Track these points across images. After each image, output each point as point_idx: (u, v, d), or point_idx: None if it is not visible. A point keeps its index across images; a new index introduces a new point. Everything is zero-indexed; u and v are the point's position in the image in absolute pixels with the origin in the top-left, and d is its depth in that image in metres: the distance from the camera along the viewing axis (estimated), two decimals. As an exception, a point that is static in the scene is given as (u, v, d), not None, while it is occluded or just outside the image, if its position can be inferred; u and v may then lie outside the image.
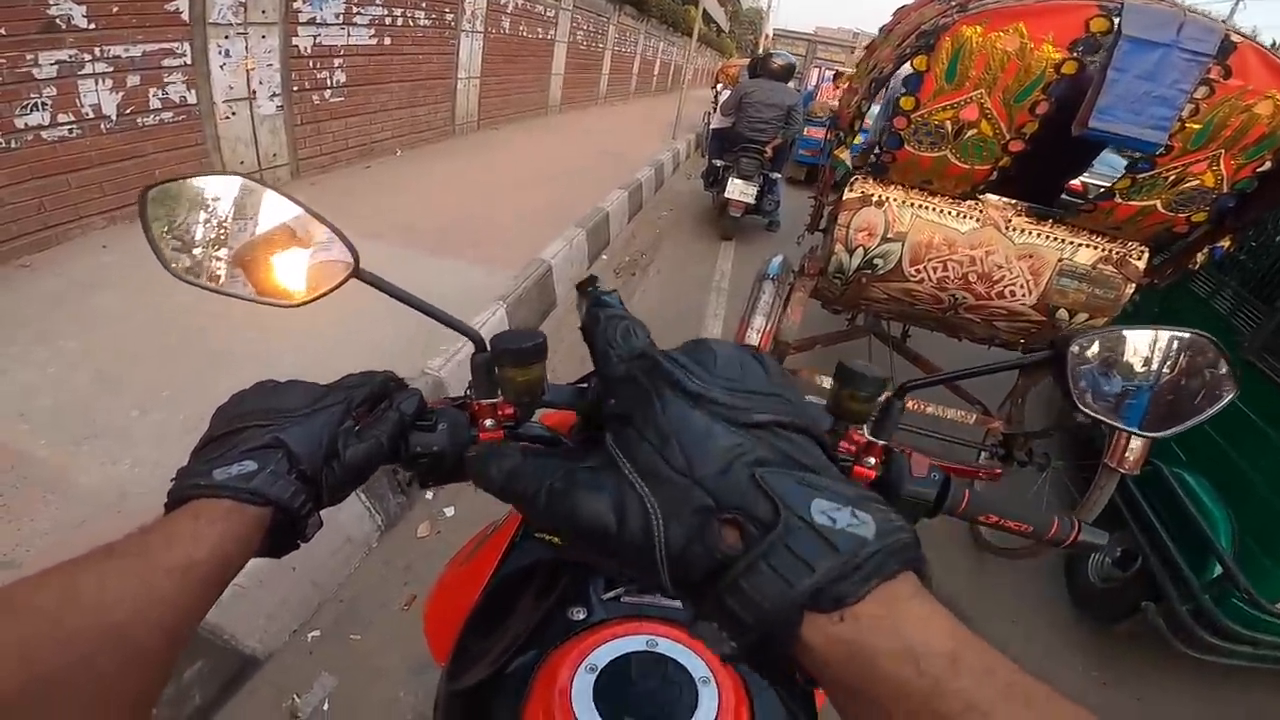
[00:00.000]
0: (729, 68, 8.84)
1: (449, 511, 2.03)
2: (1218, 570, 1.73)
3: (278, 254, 0.49)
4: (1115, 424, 0.55)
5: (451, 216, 3.97)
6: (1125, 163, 1.54)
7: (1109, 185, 1.63)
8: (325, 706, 1.46)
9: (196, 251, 0.48)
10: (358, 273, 0.49)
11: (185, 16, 3.03)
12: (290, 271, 0.49)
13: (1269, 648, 1.74)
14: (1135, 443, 1.82)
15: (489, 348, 0.53)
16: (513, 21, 7.06)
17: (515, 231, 3.86)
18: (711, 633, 0.24)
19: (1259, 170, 1.47)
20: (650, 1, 12.26)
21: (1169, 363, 0.55)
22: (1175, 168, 1.50)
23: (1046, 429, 2.24)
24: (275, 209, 0.49)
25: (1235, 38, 1.33)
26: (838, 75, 7.47)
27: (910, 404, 2.12)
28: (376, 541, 1.89)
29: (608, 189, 5.20)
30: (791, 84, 5.28)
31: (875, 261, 1.86)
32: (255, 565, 1.50)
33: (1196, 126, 1.41)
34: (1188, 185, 1.51)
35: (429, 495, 2.09)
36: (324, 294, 0.50)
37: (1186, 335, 0.55)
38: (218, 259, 0.49)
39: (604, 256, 4.53)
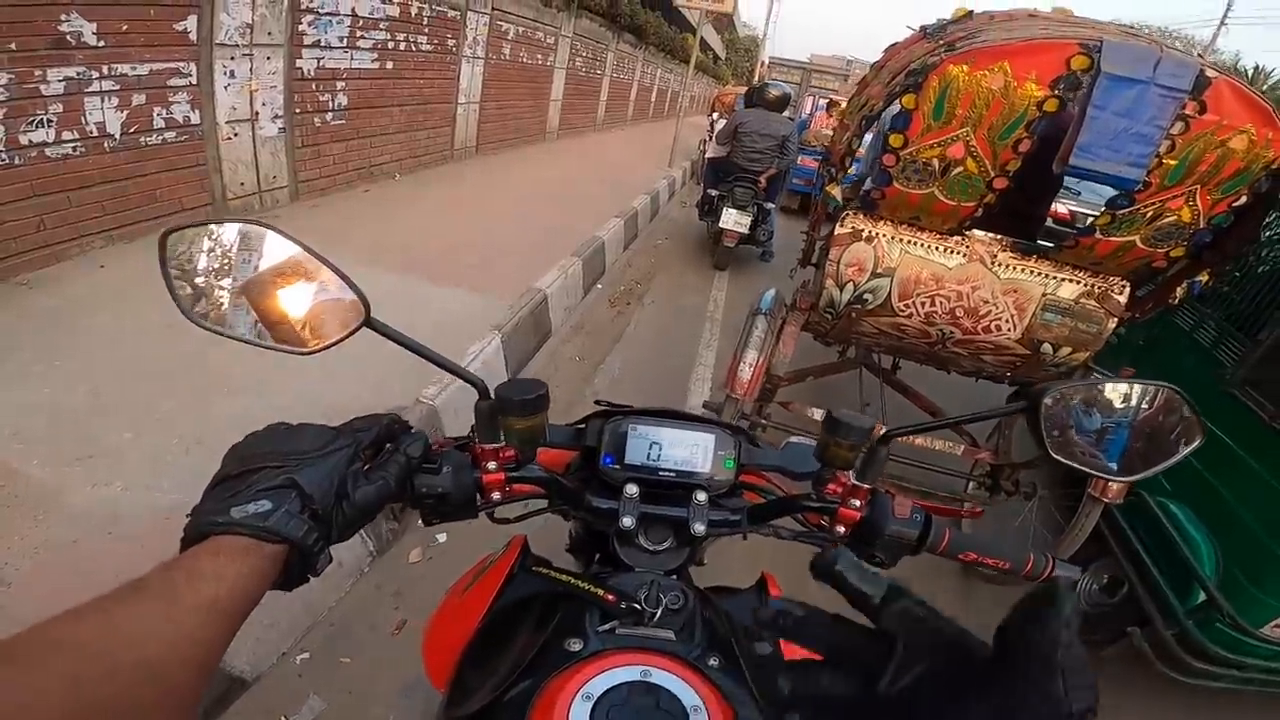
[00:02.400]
0: (725, 95, 8.97)
1: (441, 538, 2.03)
2: (1201, 596, 1.76)
3: (291, 302, 0.51)
4: (1087, 470, 0.59)
5: (448, 243, 4.00)
6: (1112, 192, 1.57)
7: (1096, 213, 1.65)
8: (314, 728, 1.45)
9: (212, 296, 0.50)
10: (369, 322, 0.51)
11: (193, 36, 3.06)
12: (303, 319, 0.51)
13: (1255, 671, 1.77)
14: None
15: (493, 395, 0.56)
16: (513, 48, 7.17)
17: (511, 259, 3.90)
18: None
19: (1234, 205, 1.49)
20: (649, 29, 12.52)
21: (1140, 412, 0.59)
22: (1153, 203, 1.52)
23: (1032, 460, 2.27)
24: (291, 257, 0.50)
25: (1210, 73, 1.35)
26: (831, 104, 7.62)
27: (900, 437, 2.17)
28: (368, 566, 1.88)
29: (604, 217, 5.25)
30: (786, 113, 5.37)
31: (865, 296, 1.89)
32: None
33: (1173, 162, 1.43)
34: (1165, 221, 1.54)
35: (419, 522, 2.09)
36: (335, 343, 0.52)
37: (1156, 388, 0.59)
38: (232, 304, 0.50)
39: (599, 286, 4.57)
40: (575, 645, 0.49)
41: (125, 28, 2.74)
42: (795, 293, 2.34)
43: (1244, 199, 1.47)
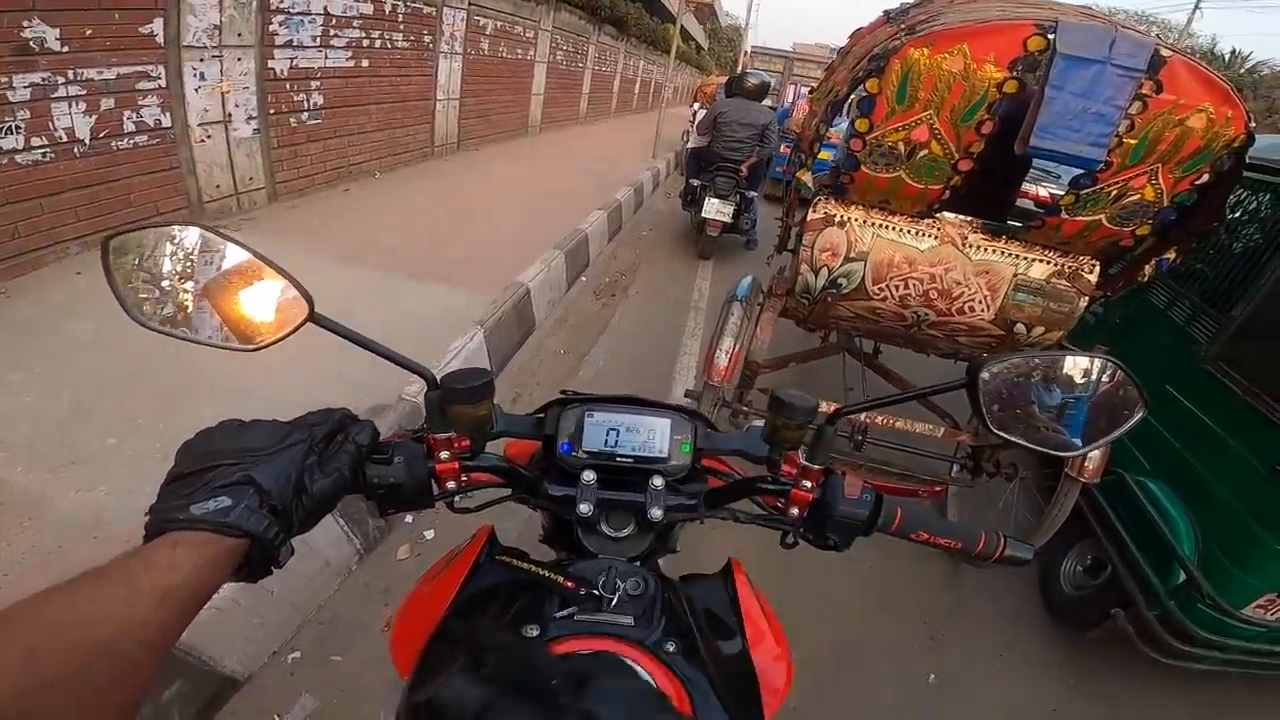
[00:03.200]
0: (707, 86, 8.94)
1: (429, 534, 2.04)
2: (1182, 577, 1.76)
3: (235, 300, 0.51)
4: (1026, 445, 0.58)
5: (430, 239, 3.98)
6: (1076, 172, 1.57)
7: (1054, 201, 1.67)
8: (308, 727, 1.47)
9: (157, 298, 0.50)
10: (313, 317, 0.52)
11: (160, 39, 3.02)
12: (247, 317, 0.52)
13: (1237, 652, 1.75)
14: (1094, 452, 1.85)
15: (440, 386, 0.57)
16: (492, 43, 7.10)
17: (494, 254, 3.88)
18: None
19: (1197, 183, 1.49)
20: (629, 21, 12.42)
21: (1079, 384, 0.58)
22: (1116, 183, 1.52)
23: (1011, 441, 2.30)
24: (232, 257, 0.51)
25: (1165, 52, 1.35)
26: (812, 92, 7.58)
27: (879, 419, 2.20)
28: (356, 565, 1.89)
29: (587, 210, 5.23)
30: (768, 101, 5.35)
31: (839, 281, 1.90)
32: (231, 588, 1.50)
33: (1133, 141, 1.43)
34: (1129, 199, 1.55)
35: (409, 519, 2.10)
36: (281, 338, 0.53)
37: (1093, 360, 0.58)
38: (177, 305, 0.51)
39: (583, 279, 4.56)
40: (532, 631, 0.50)
41: (89, 32, 2.69)
42: (772, 279, 2.34)
43: (1206, 177, 1.48)
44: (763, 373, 2.32)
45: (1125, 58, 1.34)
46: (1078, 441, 0.58)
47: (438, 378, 0.58)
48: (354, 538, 1.89)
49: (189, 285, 0.51)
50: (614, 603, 0.54)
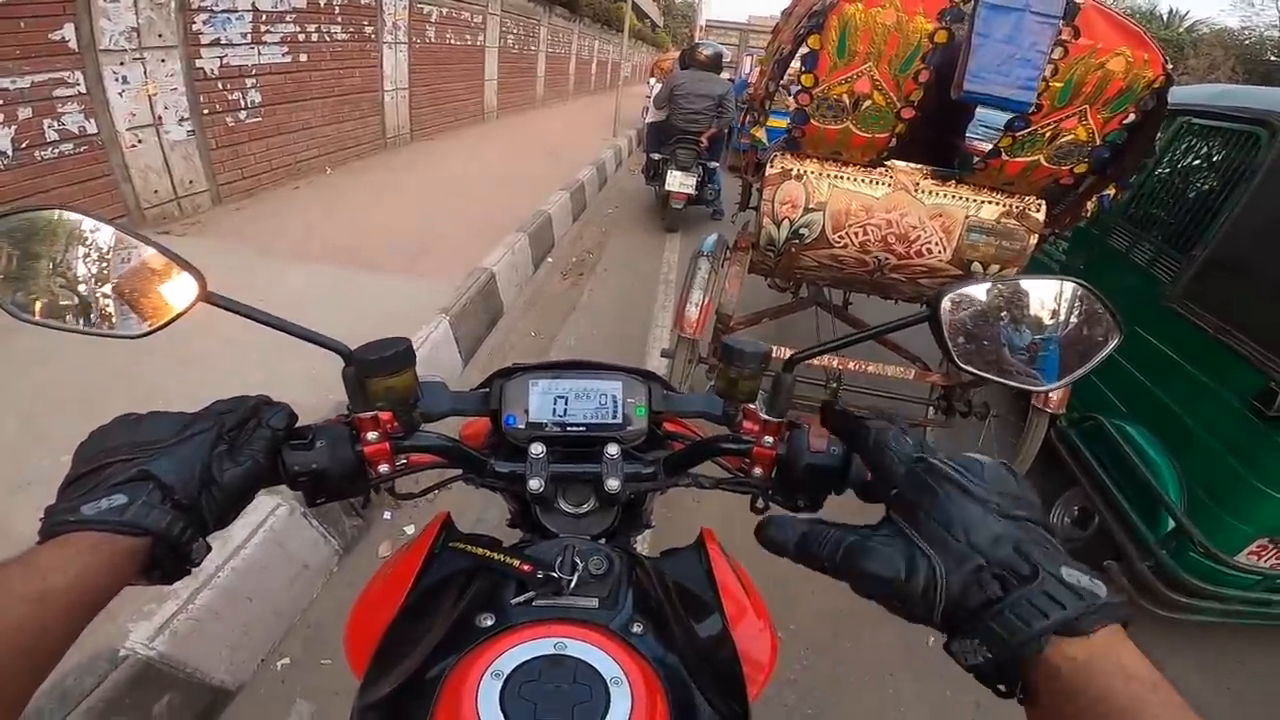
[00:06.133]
0: (663, 61, 8.85)
1: (409, 529, 1.99)
2: (1171, 524, 1.71)
3: (118, 285, 0.48)
4: (996, 379, 0.53)
5: (387, 232, 3.88)
6: (1005, 119, 1.65)
7: (993, 144, 1.74)
8: (307, 732, 1.43)
9: (30, 287, 0.47)
10: (206, 296, 0.48)
11: (73, 45, 2.87)
12: (133, 301, 0.49)
13: (1236, 603, 1.69)
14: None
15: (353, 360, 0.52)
16: (438, 30, 6.92)
17: (456, 242, 3.80)
18: (970, 647, 0.32)
19: (1125, 123, 1.58)
20: (581, 1, 12.20)
21: (1049, 312, 0.52)
22: (1049, 124, 1.60)
23: (977, 379, 2.32)
24: (109, 241, 0.48)
25: (1079, 0, 1.43)
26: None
27: (852, 365, 2.23)
28: (337, 566, 1.84)
29: (550, 191, 5.16)
30: (725, 74, 5.33)
31: (801, 231, 1.96)
32: (207, 598, 1.43)
33: (1059, 85, 1.52)
34: (1064, 140, 1.62)
35: (387, 515, 2.04)
36: (170, 321, 0.49)
37: (1060, 283, 0.52)
38: (54, 294, 0.47)
39: (549, 260, 4.50)
40: (487, 621, 0.46)
41: (-5, 41, 2.55)
42: (737, 235, 2.40)
43: (1132, 117, 1.56)
44: (736, 328, 2.36)
45: (1042, 4, 1.42)
46: (1051, 374, 0.53)
47: (350, 352, 0.53)
48: (331, 538, 1.84)
49: (65, 273, 0.47)
50: (574, 584, 0.49)
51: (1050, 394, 1.93)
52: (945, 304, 0.50)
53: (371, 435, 0.54)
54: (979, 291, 0.52)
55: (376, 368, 0.51)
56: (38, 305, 0.47)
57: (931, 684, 1.75)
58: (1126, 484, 1.88)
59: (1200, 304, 1.90)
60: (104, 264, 0.48)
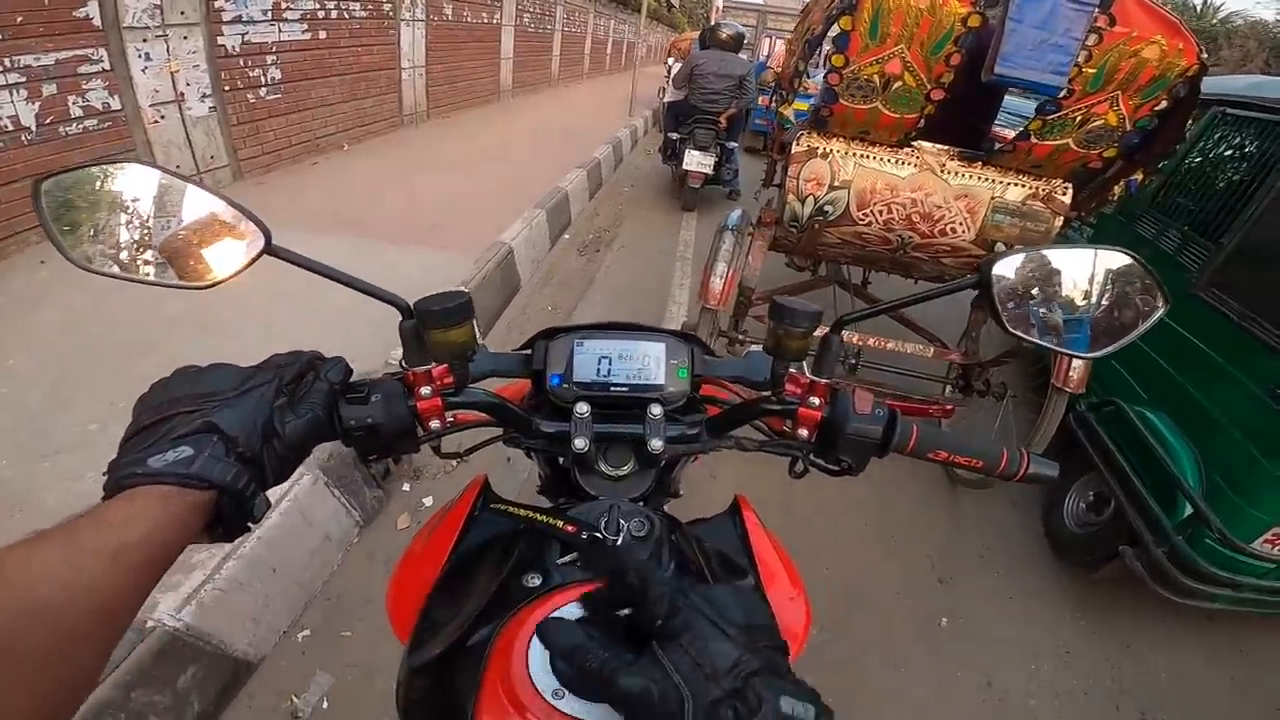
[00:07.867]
0: (680, 41, 8.73)
1: (428, 501, 2.01)
2: (1188, 510, 1.70)
3: (186, 238, 0.48)
4: (1045, 345, 0.54)
5: (406, 206, 3.89)
6: (1034, 105, 1.67)
7: (1021, 129, 1.74)
8: (325, 705, 1.45)
9: (98, 239, 0.47)
10: (270, 248, 0.48)
11: (97, 22, 2.88)
12: (199, 253, 0.49)
13: (1251, 590, 1.68)
14: (1077, 361, 1.90)
15: (414, 313, 0.52)
16: (455, 8, 6.87)
17: (474, 216, 3.80)
18: None
19: (1157, 109, 1.58)
20: (596, -21, 12.01)
21: (1096, 281, 0.54)
22: (1080, 109, 1.61)
23: (998, 357, 2.28)
24: (177, 193, 0.48)
25: None
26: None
27: (871, 341, 2.22)
28: (357, 537, 1.86)
29: (566, 169, 5.13)
30: (744, 55, 5.25)
31: (825, 208, 1.98)
32: (233, 568, 1.43)
33: (1092, 70, 1.52)
34: (1094, 125, 1.64)
35: (406, 487, 2.07)
36: (237, 273, 0.49)
37: (1105, 251, 0.54)
38: (121, 246, 0.47)
39: (566, 236, 4.49)
40: (534, 581, 0.47)
41: (20, 19, 2.56)
42: (761, 210, 2.42)
43: (1164, 104, 1.56)
44: (757, 302, 2.39)
45: None
46: (1097, 341, 0.55)
47: (411, 305, 0.53)
48: (352, 510, 1.86)
49: (133, 224, 0.47)
50: (618, 545, 0.50)
51: (1070, 374, 1.93)
52: (995, 271, 0.52)
53: (425, 390, 0.53)
54: (1028, 260, 0.53)
55: (439, 319, 0.51)
56: (98, 256, 0.47)
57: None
58: (1144, 469, 1.88)
59: (1226, 291, 1.89)
60: (174, 217, 0.48)
